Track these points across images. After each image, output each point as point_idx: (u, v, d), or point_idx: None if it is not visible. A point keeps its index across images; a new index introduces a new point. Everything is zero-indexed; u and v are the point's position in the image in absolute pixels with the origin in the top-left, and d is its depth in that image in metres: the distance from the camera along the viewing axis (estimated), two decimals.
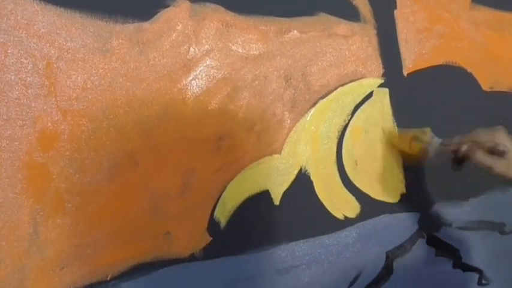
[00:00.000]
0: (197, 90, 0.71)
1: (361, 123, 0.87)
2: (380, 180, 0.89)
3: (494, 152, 0.75)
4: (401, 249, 0.92)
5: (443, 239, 0.99)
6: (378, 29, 0.89)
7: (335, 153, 0.84)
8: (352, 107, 0.86)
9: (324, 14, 0.83)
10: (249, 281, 0.75)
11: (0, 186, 0.57)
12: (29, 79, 0.59)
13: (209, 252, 0.71)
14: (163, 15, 0.68)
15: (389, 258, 0.91)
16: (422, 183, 0.96)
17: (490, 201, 1.05)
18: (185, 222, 0.70)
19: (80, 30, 0.63)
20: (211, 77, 0.72)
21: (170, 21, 0.69)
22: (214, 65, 0.72)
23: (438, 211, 0.98)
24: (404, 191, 0.92)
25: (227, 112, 0.73)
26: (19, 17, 0.59)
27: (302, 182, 0.80)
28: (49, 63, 0.60)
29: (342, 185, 0.84)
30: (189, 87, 0.70)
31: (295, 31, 0.80)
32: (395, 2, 0.92)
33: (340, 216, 0.84)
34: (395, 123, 0.91)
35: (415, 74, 0.94)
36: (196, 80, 0.71)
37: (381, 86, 0.89)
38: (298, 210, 0.79)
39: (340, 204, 0.84)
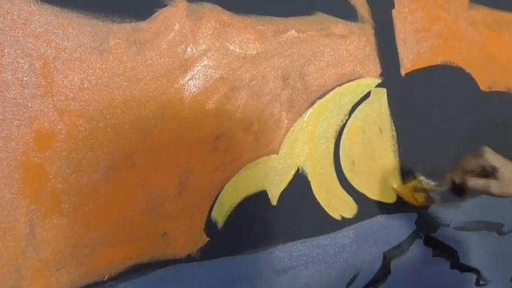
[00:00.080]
0: (194, 90, 0.71)
1: (358, 123, 0.87)
2: (377, 181, 0.89)
3: (485, 173, 0.76)
4: (398, 249, 0.92)
5: (441, 239, 0.99)
6: (376, 28, 0.89)
7: (332, 154, 0.84)
8: (349, 107, 0.86)
9: (321, 13, 0.83)
10: (246, 281, 0.75)
11: None
12: (25, 79, 0.59)
13: (206, 253, 0.71)
14: (161, 14, 0.68)
15: (387, 258, 0.91)
16: None
17: (488, 202, 1.04)
18: (182, 222, 0.70)
19: (77, 29, 0.62)
20: (209, 77, 0.72)
21: (167, 21, 0.69)
22: (211, 65, 0.72)
23: (435, 211, 0.98)
24: None
25: (224, 112, 0.73)
26: (16, 17, 0.59)
27: (299, 182, 0.80)
28: (46, 63, 0.60)
29: (339, 185, 0.84)
30: (186, 87, 0.70)
31: (293, 31, 0.80)
32: (393, 2, 0.92)
33: (337, 217, 0.84)
34: (392, 124, 0.91)
35: (413, 74, 0.94)
36: (194, 79, 0.71)
37: (378, 86, 0.89)
38: (295, 211, 0.79)
39: (337, 204, 0.84)
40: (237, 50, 0.74)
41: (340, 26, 0.85)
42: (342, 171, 0.85)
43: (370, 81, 0.88)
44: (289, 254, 0.79)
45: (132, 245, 0.66)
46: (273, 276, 0.78)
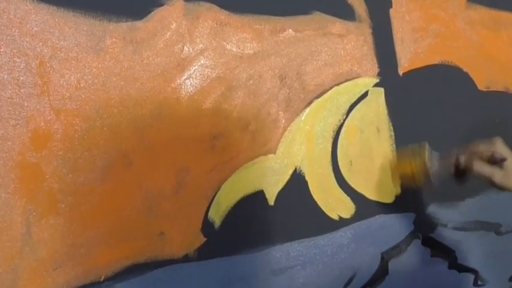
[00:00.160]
0: (191, 89, 0.70)
1: (356, 122, 0.87)
2: (375, 181, 0.89)
3: (493, 161, 0.76)
4: (396, 249, 0.92)
5: (439, 239, 0.99)
6: (373, 28, 0.89)
7: (330, 153, 0.84)
8: (347, 107, 0.86)
9: (319, 13, 0.83)
10: (243, 281, 0.75)
11: None
12: (21, 78, 0.59)
13: (203, 253, 0.71)
14: (157, 14, 0.68)
15: (385, 259, 0.90)
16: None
17: (486, 202, 1.04)
18: (179, 222, 0.69)
19: (73, 29, 0.62)
20: (206, 76, 0.72)
21: (164, 20, 0.68)
22: (208, 64, 0.72)
23: (433, 211, 0.98)
24: (400, 192, 0.92)
25: (221, 111, 0.73)
26: (12, 16, 0.58)
27: (297, 182, 0.80)
28: (42, 62, 0.60)
29: (337, 185, 0.84)
30: (183, 87, 0.70)
31: (290, 30, 0.80)
32: (391, 1, 0.92)
33: (335, 217, 0.84)
34: (390, 123, 0.90)
35: (411, 74, 0.94)
36: (191, 79, 0.70)
37: (376, 85, 0.89)
38: (292, 211, 0.79)
39: (335, 204, 0.84)
40: (234, 50, 0.74)
41: (337, 26, 0.85)
42: (339, 171, 0.85)
43: (367, 81, 0.88)
44: (287, 254, 0.79)
45: (128, 245, 0.66)
46: (270, 277, 0.78)
